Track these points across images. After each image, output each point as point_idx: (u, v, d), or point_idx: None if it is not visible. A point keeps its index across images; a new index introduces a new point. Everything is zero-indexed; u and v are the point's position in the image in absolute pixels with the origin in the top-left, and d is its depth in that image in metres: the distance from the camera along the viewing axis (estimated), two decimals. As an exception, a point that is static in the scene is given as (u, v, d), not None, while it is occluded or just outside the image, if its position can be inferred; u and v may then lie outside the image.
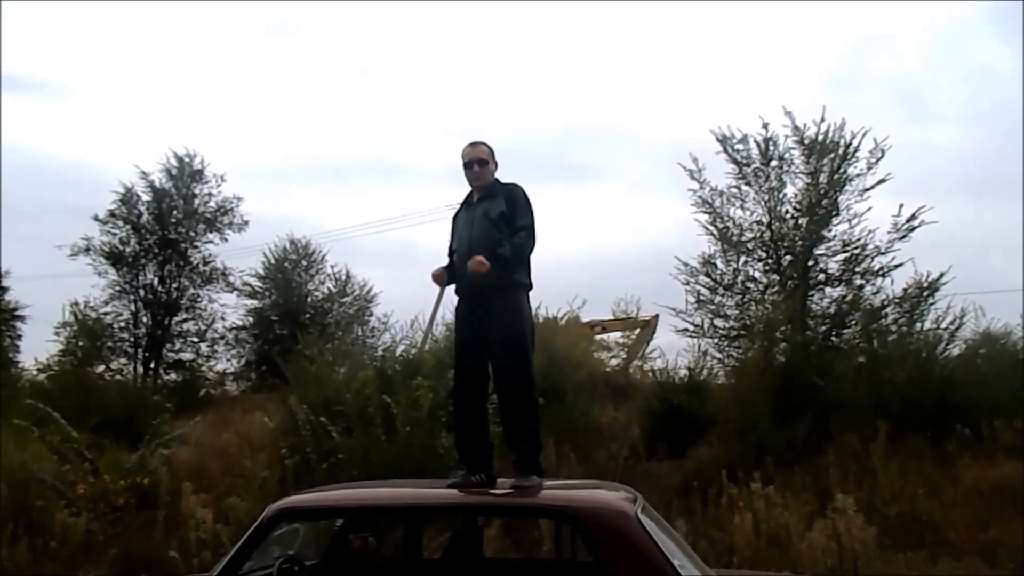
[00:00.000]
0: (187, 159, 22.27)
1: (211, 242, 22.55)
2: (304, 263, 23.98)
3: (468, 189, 3.89)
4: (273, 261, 23.46)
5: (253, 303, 23.43)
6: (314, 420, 8.28)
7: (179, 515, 7.20)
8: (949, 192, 45.14)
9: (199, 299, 22.55)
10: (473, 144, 3.85)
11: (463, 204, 3.88)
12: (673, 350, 22.33)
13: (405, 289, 40.42)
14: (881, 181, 12.19)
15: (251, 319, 23.27)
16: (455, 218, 3.90)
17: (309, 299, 23.49)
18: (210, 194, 22.56)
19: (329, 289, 23.95)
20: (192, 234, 22.25)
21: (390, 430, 7.79)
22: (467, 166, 3.81)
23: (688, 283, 13.06)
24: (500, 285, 3.52)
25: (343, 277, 23.88)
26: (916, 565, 5.90)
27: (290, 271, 23.58)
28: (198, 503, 7.12)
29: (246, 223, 22.79)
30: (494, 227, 3.58)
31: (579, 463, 8.69)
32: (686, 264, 13.12)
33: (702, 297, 12.98)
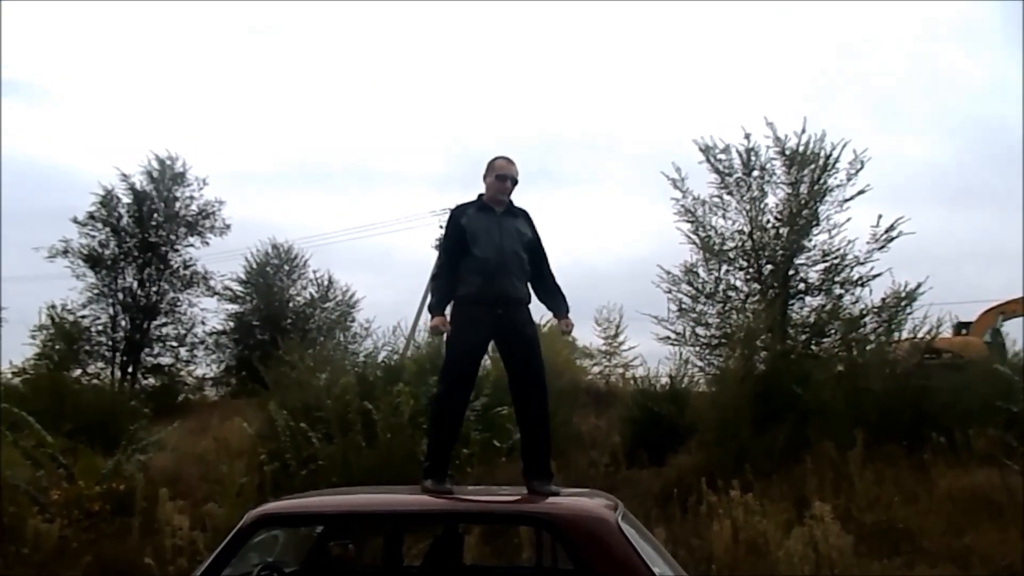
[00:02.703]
0: (169, 162, 22.12)
1: (192, 246, 22.44)
2: (286, 268, 23.88)
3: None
4: (255, 265, 23.35)
5: (234, 308, 23.32)
6: (294, 426, 8.23)
7: (155, 522, 7.09)
8: (923, 202, 45.87)
9: (179, 303, 22.40)
10: (510, 161, 3.88)
11: (476, 208, 3.80)
12: (654, 358, 22.46)
13: (387, 295, 40.35)
14: (860, 192, 12.41)
15: (231, 324, 23.13)
16: (464, 218, 3.76)
17: (291, 304, 23.38)
18: (192, 197, 22.45)
19: (311, 294, 23.87)
20: (173, 237, 22.08)
21: (370, 436, 7.76)
22: (500, 179, 3.82)
23: (670, 291, 13.19)
24: (526, 299, 3.79)
25: (325, 282, 23.83)
26: (892, 572, 5.96)
27: (272, 276, 23.47)
28: (175, 509, 7.03)
29: (228, 227, 22.69)
30: (524, 251, 3.77)
31: (559, 471, 8.65)
32: (668, 272, 13.25)
33: (684, 305, 13.10)
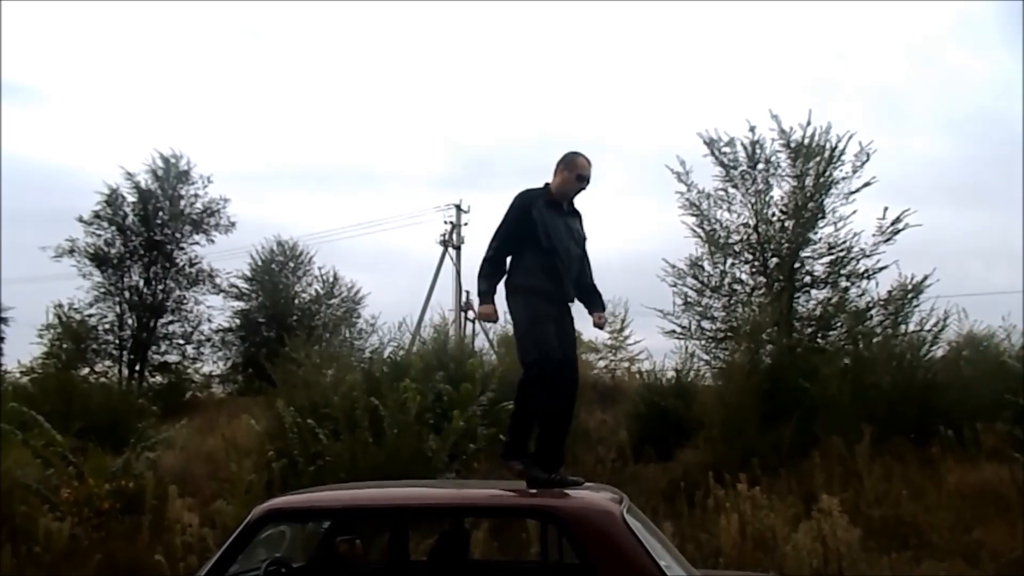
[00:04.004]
0: (173, 160, 22.12)
1: (197, 243, 22.41)
2: (291, 265, 23.88)
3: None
4: (260, 263, 23.36)
5: (240, 305, 23.33)
6: (301, 423, 8.26)
7: (165, 520, 7.14)
8: (930, 198, 45.67)
9: (185, 301, 22.40)
10: (590, 161, 3.84)
11: (545, 202, 3.71)
12: (660, 352, 22.42)
13: (392, 292, 40.42)
14: (866, 184, 12.29)
15: (238, 321, 23.16)
16: (535, 210, 3.65)
17: (296, 301, 23.39)
18: (196, 195, 22.42)
19: (316, 291, 23.87)
20: (178, 235, 22.09)
21: (377, 433, 7.78)
22: (580, 179, 3.78)
23: (675, 285, 13.12)
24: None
25: (330, 279, 23.83)
26: (900, 566, 5.95)
27: (277, 273, 23.48)
28: (184, 507, 7.07)
29: (233, 224, 22.67)
30: (582, 253, 3.85)
31: (567, 467, 8.68)
32: (673, 266, 13.19)
33: (689, 299, 13.04)
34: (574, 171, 3.76)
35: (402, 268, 46.71)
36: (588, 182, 3.81)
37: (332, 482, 6.62)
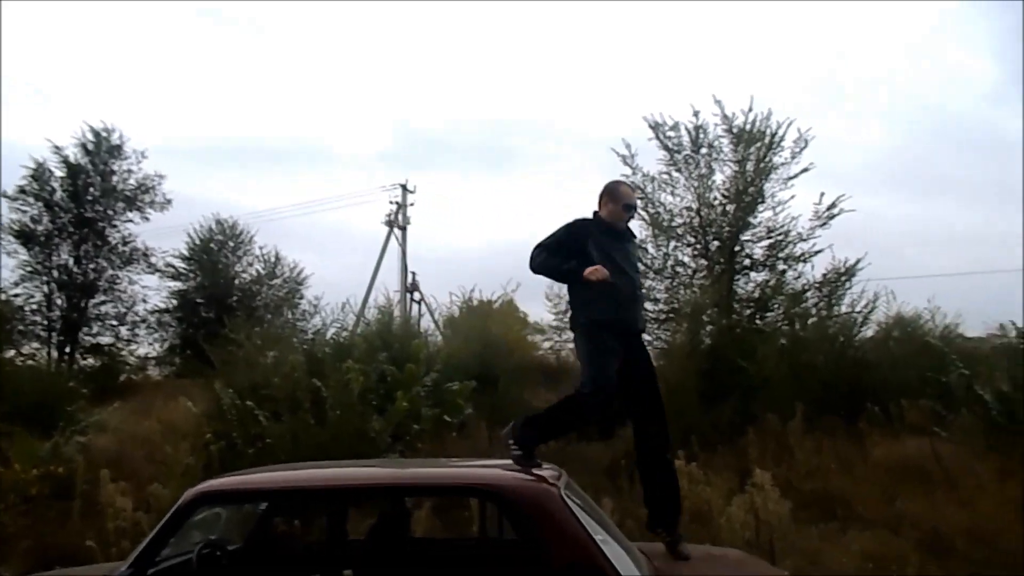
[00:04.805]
0: (105, 134, 21.24)
1: (131, 221, 21.67)
2: (231, 244, 23.31)
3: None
4: (198, 242, 22.74)
5: (177, 285, 22.69)
6: (240, 405, 8.10)
7: (97, 504, 6.92)
8: (865, 185, 47.34)
9: (118, 280, 21.64)
10: (633, 188, 3.89)
11: (601, 231, 3.66)
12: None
13: (337, 273, 39.86)
14: (804, 170, 12.67)
15: (175, 302, 22.52)
16: (591, 242, 3.60)
17: (236, 282, 22.87)
18: (130, 171, 21.64)
19: (257, 271, 23.40)
20: (110, 212, 21.29)
21: (319, 414, 7.68)
22: (628, 208, 3.79)
23: (620, 267, 13.27)
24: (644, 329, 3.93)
25: (272, 259, 23.35)
26: (828, 536, 6.20)
27: (216, 252, 22.90)
28: (117, 491, 6.85)
29: (169, 202, 21.97)
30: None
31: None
32: (618, 248, 13.32)
33: (633, 281, 13.22)
34: (620, 201, 3.77)
35: (347, 249, 46.09)
36: (635, 209, 3.84)
37: (273, 464, 6.53)
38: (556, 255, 3.62)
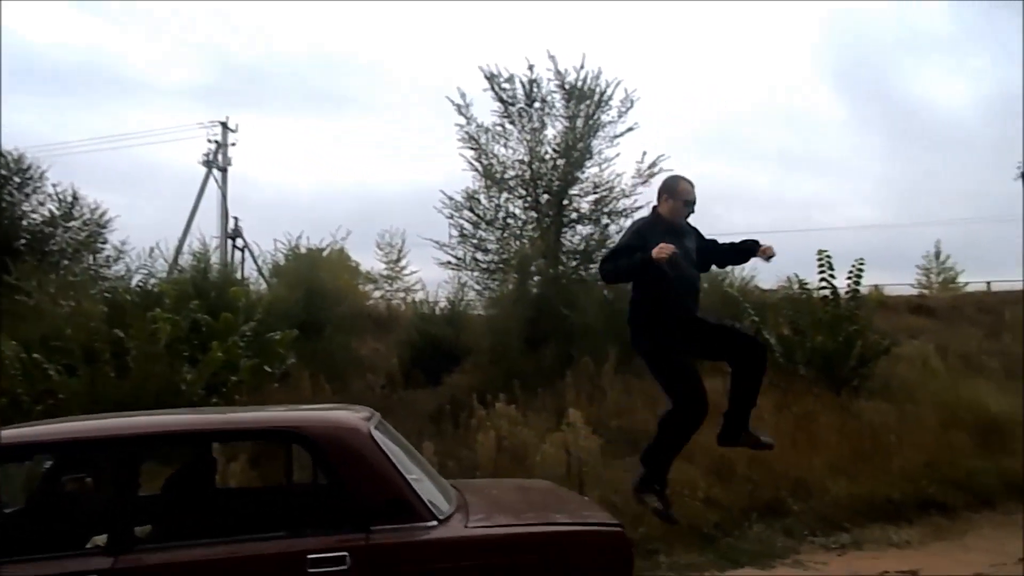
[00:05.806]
0: None
1: None
2: (16, 180, 20.55)
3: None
4: (-26, 176, 19.82)
5: (-51, 225, 19.72)
6: (25, 358, 7.28)
7: None
8: (684, 147, 50.83)
9: None
10: (692, 183, 3.71)
11: (662, 231, 3.55)
12: (435, 283, 22.89)
13: (149, 216, 36.65)
14: (629, 129, 13.35)
15: (-53, 244, 19.61)
16: (653, 235, 3.51)
17: (25, 223, 20.26)
18: None
19: (51, 212, 20.84)
20: None
21: (122, 366, 7.10)
22: (687, 204, 3.69)
23: (452, 217, 13.35)
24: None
25: (68, 199, 20.90)
26: (632, 468, 6.75)
27: (-2, 189, 20.12)
28: None
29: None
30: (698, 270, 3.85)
31: (335, 393, 8.64)
32: (451, 199, 13.38)
33: (465, 231, 13.36)
34: (680, 197, 3.69)
35: (162, 191, 42.37)
36: (695, 204, 3.74)
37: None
38: (625, 258, 3.60)
